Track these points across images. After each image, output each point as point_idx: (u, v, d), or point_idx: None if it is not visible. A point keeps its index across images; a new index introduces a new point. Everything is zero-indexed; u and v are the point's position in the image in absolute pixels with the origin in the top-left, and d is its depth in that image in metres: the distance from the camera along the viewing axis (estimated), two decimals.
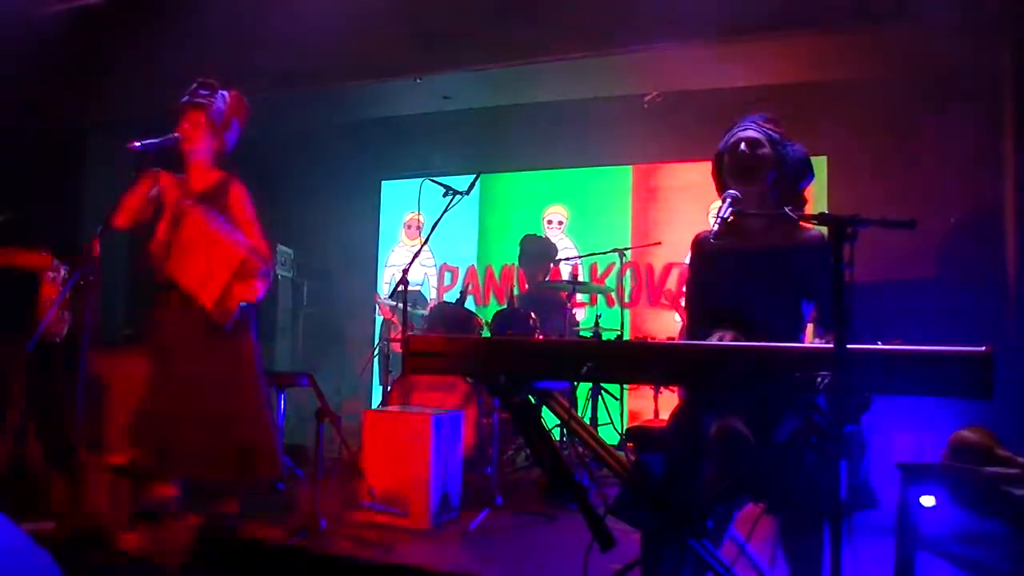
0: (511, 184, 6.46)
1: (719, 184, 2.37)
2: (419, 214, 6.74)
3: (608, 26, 4.38)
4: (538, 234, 5.86)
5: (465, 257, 6.55)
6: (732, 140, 2.30)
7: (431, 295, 6.51)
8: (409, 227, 6.85)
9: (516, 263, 5.82)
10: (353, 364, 6.25)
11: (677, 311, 5.43)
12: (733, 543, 2.12)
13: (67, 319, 3.79)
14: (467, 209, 5.98)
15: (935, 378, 1.58)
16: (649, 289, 5.84)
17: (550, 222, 6.34)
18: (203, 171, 3.22)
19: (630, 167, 6.11)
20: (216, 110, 3.16)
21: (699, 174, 5.61)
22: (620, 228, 5.99)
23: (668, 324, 5.66)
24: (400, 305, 4.05)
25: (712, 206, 5.67)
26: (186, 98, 3.18)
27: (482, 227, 6.52)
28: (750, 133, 2.27)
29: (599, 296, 5.68)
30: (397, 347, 5.02)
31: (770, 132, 2.28)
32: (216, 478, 3.09)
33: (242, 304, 3.05)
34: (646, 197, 6.05)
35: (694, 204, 5.71)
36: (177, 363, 3.07)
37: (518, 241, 5.57)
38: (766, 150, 2.25)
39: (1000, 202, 4.03)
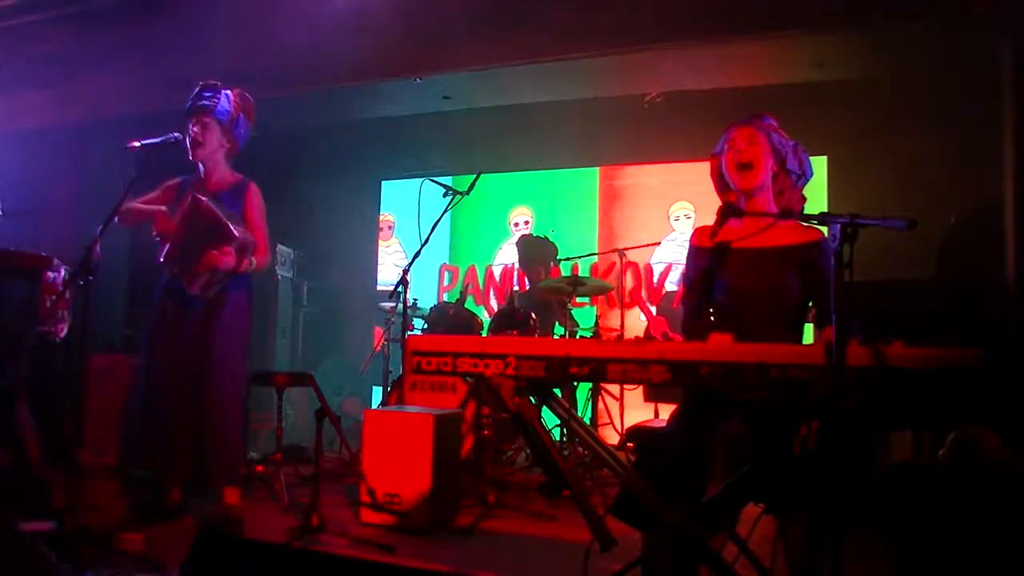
0: (478, 185, 6.48)
1: (718, 184, 2.38)
2: (389, 215, 6.83)
3: (608, 26, 4.38)
4: (538, 235, 5.87)
5: (437, 257, 6.62)
6: (731, 136, 2.30)
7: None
8: (381, 228, 6.90)
9: (484, 263, 5.88)
10: (353, 364, 6.26)
11: (642, 310, 5.44)
12: (733, 543, 2.12)
13: (67, 319, 3.79)
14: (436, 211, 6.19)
15: (935, 378, 1.58)
16: (649, 289, 5.84)
17: (516, 224, 6.40)
18: (218, 172, 3.26)
19: (596, 169, 6.19)
20: (221, 110, 3.18)
21: (662, 175, 5.86)
22: (587, 229, 6.06)
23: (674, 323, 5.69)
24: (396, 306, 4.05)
25: (672, 208, 5.81)
26: (191, 102, 3.21)
27: (453, 228, 6.59)
28: (749, 129, 2.28)
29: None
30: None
31: (769, 129, 2.29)
32: (176, 472, 3.11)
33: (215, 272, 3.06)
34: (612, 198, 6.12)
35: (655, 206, 5.86)
36: (162, 356, 3.11)
37: (484, 242, 5.61)
38: (764, 145, 2.26)
39: (1000, 202, 4.03)
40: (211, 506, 3.18)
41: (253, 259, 3.16)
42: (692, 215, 5.72)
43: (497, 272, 6.39)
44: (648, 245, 5.56)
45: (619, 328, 5.00)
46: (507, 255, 6.44)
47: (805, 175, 2.33)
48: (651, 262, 5.78)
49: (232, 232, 3.03)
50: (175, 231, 3.15)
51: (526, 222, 6.36)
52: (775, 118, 2.34)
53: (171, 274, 3.19)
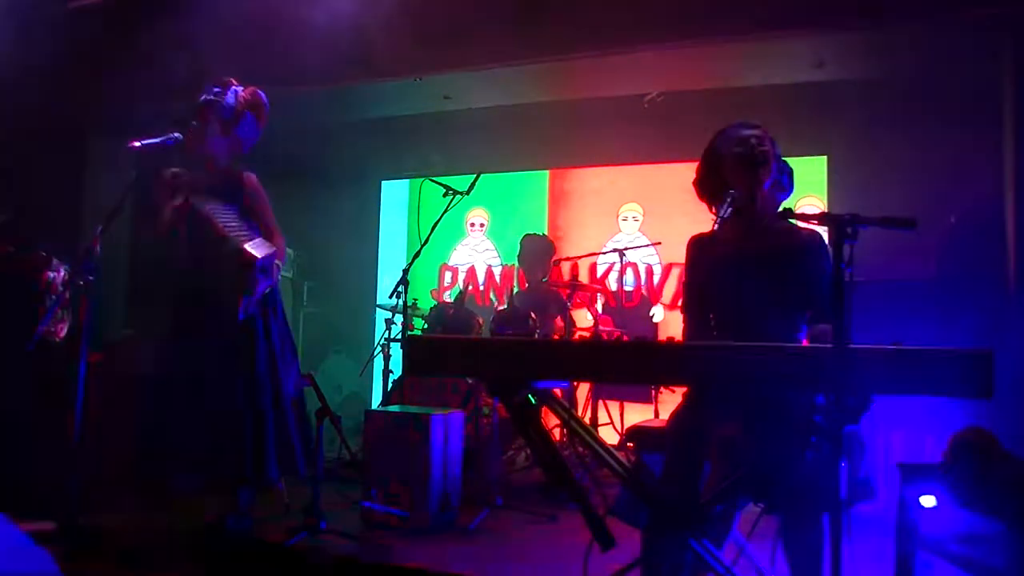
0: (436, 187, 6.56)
1: (713, 185, 2.35)
2: None
3: (609, 26, 4.38)
4: (538, 233, 5.89)
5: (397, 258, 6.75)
6: (739, 136, 2.29)
7: None
8: None
9: (439, 263, 6.09)
10: (353, 364, 6.26)
11: (589, 309, 5.48)
12: (733, 543, 2.12)
13: (67, 319, 3.79)
14: (401, 212, 6.71)
15: (935, 378, 1.58)
16: (649, 289, 5.84)
17: (472, 224, 6.50)
18: (217, 169, 3.22)
19: (546, 172, 6.30)
20: (226, 106, 3.14)
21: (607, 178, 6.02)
22: (538, 230, 6.06)
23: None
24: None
25: (622, 209, 5.93)
26: (200, 97, 3.19)
27: (411, 229, 6.70)
28: (758, 132, 2.27)
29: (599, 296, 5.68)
30: None
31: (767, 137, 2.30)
32: (192, 475, 3.09)
33: (245, 298, 3.03)
34: (561, 200, 6.27)
35: (604, 207, 6.05)
36: (172, 360, 3.09)
37: (440, 241, 5.69)
38: (768, 149, 2.26)
39: (1000, 202, 4.03)
40: (212, 506, 3.18)
41: (278, 262, 3.16)
42: (640, 217, 5.86)
43: (489, 272, 6.42)
44: (649, 245, 5.57)
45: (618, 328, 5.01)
46: (461, 255, 6.57)
47: (787, 191, 2.37)
48: (598, 262, 5.87)
49: (250, 255, 2.98)
50: (173, 236, 3.12)
51: (481, 224, 6.49)
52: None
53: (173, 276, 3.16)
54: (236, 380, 3.05)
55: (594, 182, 6.15)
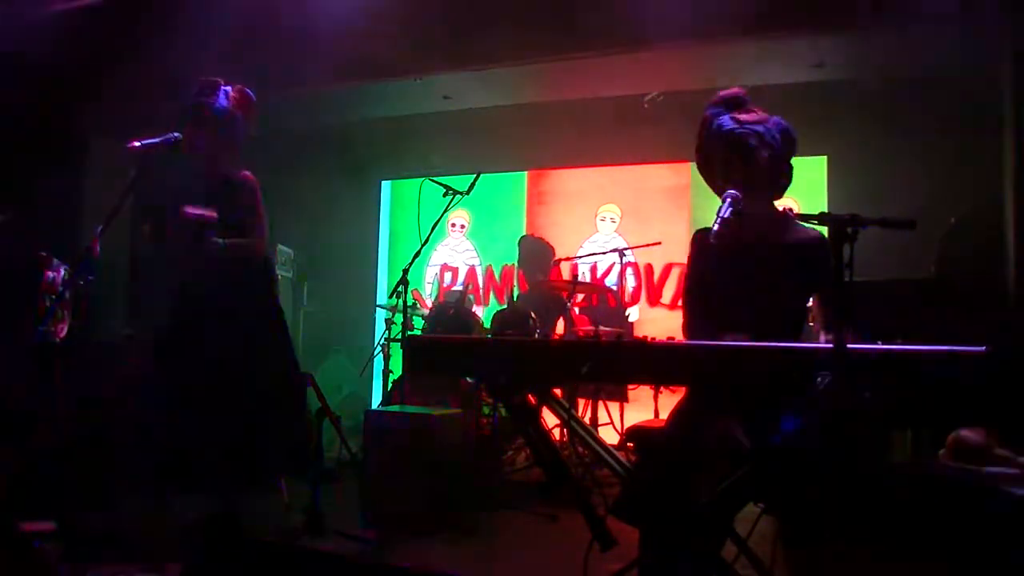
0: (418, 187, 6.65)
1: (710, 180, 2.36)
2: None
3: (608, 26, 4.38)
4: (531, 235, 5.89)
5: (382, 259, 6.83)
6: (719, 128, 2.27)
7: None
8: None
9: (421, 263, 6.04)
10: (353, 364, 6.26)
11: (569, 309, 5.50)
12: (733, 543, 2.12)
13: (67, 319, 3.79)
14: (400, 211, 6.74)
15: (935, 378, 1.59)
16: (649, 289, 5.84)
17: (453, 225, 6.57)
18: (219, 170, 3.24)
19: (524, 173, 6.35)
20: (219, 107, 3.17)
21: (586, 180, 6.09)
22: (517, 231, 6.16)
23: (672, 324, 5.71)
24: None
25: (600, 209, 6.02)
26: (189, 100, 3.20)
27: (392, 229, 6.80)
28: (742, 116, 2.25)
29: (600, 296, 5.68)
30: None
31: (744, 117, 2.26)
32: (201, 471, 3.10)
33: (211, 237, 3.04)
34: (539, 201, 6.33)
35: (583, 208, 6.13)
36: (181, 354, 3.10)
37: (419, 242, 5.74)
38: (758, 126, 2.23)
39: (1000, 202, 4.03)
40: (211, 506, 3.18)
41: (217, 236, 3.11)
42: (617, 219, 5.91)
43: (490, 271, 6.42)
44: (649, 245, 5.56)
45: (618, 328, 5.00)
46: (442, 255, 6.60)
47: (792, 148, 2.29)
48: (577, 261, 5.87)
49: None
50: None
51: (462, 226, 6.55)
52: (743, 97, 2.31)
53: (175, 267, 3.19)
54: (233, 378, 3.06)
55: (572, 183, 6.21)
